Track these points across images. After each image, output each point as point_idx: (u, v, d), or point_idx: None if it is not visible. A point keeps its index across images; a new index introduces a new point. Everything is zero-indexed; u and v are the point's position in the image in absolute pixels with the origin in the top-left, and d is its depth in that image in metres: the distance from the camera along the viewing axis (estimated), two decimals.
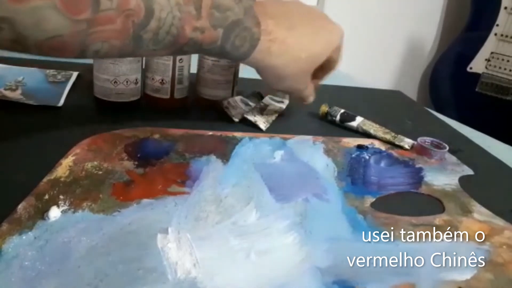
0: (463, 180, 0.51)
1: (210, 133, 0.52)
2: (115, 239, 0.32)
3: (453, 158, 0.56)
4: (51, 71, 0.64)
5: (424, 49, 1.60)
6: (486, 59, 1.29)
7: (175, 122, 0.54)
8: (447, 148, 0.56)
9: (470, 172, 0.53)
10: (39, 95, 0.55)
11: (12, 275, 0.27)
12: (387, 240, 0.37)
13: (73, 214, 0.34)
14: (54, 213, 0.33)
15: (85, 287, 0.27)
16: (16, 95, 0.54)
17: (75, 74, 0.64)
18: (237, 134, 0.52)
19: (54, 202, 0.34)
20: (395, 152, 0.55)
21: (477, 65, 1.31)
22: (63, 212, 0.34)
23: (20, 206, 0.33)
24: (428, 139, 0.57)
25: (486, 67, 1.29)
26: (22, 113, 0.51)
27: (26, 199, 0.34)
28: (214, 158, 0.45)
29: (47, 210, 0.33)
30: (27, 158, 0.41)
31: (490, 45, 1.27)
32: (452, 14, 1.56)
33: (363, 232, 0.38)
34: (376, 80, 0.97)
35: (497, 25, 1.26)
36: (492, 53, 1.27)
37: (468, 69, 1.32)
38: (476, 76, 1.32)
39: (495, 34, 1.27)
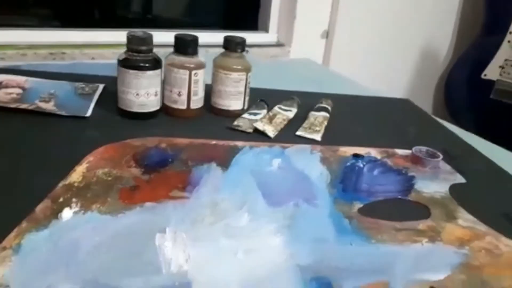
0: (454, 188, 0.53)
1: (214, 142, 0.56)
2: (119, 237, 0.36)
3: (447, 167, 0.58)
4: (79, 84, 0.69)
5: (438, 56, 1.61)
6: (500, 66, 1.29)
7: (190, 130, 0.59)
8: (441, 157, 0.58)
9: (462, 180, 0.55)
10: (69, 106, 0.60)
11: (29, 265, 0.32)
12: (368, 242, 0.41)
13: (83, 215, 0.38)
14: (67, 214, 0.38)
15: (90, 277, 0.32)
16: (49, 106, 0.60)
17: (101, 87, 0.69)
18: (239, 143, 0.56)
19: (68, 204, 0.39)
20: (389, 161, 0.58)
21: (491, 72, 1.31)
22: (75, 213, 0.38)
23: (38, 207, 0.38)
24: (423, 148, 0.60)
25: (500, 74, 1.29)
26: (54, 122, 0.57)
27: (44, 202, 0.39)
28: (214, 166, 0.50)
29: (61, 211, 0.38)
30: (51, 164, 0.46)
31: (504, 52, 1.27)
32: (466, 21, 1.56)
33: (346, 235, 0.41)
34: (391, 89, 0.99)
35: (510, 32, 1.26)
36: (505, 60, 1.27)
37: (482, 76, 1.32)
38: (490, 83, 1.32)
39: (509, 41, 1.27)
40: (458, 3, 1.55)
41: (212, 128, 0.61)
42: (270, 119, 0.64)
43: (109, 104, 0.63)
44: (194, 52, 0.61)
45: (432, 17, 1.49)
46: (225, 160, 0.51)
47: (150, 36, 0.58)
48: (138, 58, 0.57)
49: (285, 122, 0.66)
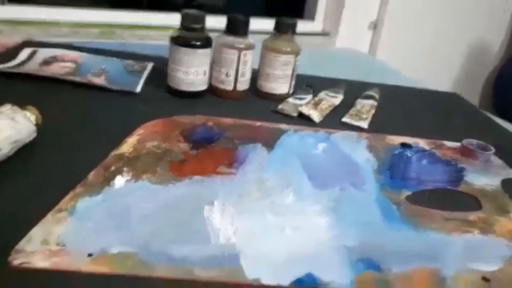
0: (507, 183, 0.51)
1: (259, 123, 0.56)
2: (169, 206, 0.37)
3: (499, 161, 0.56)
4: (129, 62, 0.71)
5: (489, 53, 1.55)
6: None
7: (235, 111, 0.59)
8: (493, 150, 0.56)
9: None
10: (119, 81, 0.62)
11: (83, 228, 0.33)
12: (417, 230, 0.40)
13: (134, 183, 0.39)
14: (119, 181, 0.39)
15: (141, 242, 0.32)
16: (100, 80, 0.61)
17: (150, 65, 0.70)
18: (284, 126, 0.56)
19: (119, 172, 0.40)
20: (438, 152, 0.56)
21: None
22: (126, 181, 0.39)
23: (91, 174, 0.39)
24: (474, 141, 0.58)
25: None
26: (105, 96, 0.58)
27: (96, 169, 0.40)
28: (260, 146, 0.50)
29: (113, 179, 0.39)
30: (103, 134, 0.48)
31: None
32: None
33: (394, 221, 0.40)
34: (437, 82, 0.96)
35: None
36: None
37: None
38: None
39: None
40: None
41: (257, 110, 0.61)
42: (316, 104, 0.64)
43: (158, 82, 0.64)
44: (245, 33, 0.61)
45: (485, 12, 1.43)
46: (269, 141, 0.51)
47: (203, 15, 0.58)
48: (191, 36, 0.58)
49: (331, 108, 0.65)
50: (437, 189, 0.48)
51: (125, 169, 0.41)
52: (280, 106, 0.63)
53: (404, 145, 0.57)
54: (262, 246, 0.34)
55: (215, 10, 1.14)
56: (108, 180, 0.39)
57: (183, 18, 0.58)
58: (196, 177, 0.42)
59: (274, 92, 0.66)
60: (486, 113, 0.79)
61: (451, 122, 0.70)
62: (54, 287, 0.28)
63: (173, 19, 0.59)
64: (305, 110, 0.61)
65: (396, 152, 0.55)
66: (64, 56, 0.68)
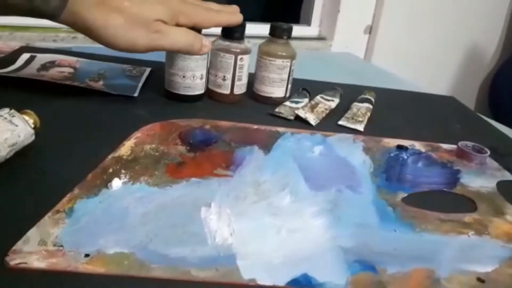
0: (502, 185, 0.51)
1: (255, 126, 0.56)
2: (166, 208, 0.37)
3: (494, 164, 0.56)
4: (127, 66, 0.71)
5: (485, 56, 1.56)
6: None
7: (232, 114, 0.59)
8: (488, 153, 0.56)
9: (510, 178, 0.54)
10: (117, 86, 0.62)
11: (80, 229, 0.33)
12: (413, 231, 0.40)
13: (132, 185, 0.39)
14: (116, 183, 0.39)
15: (138, 243, 0.33)
16: (98, 85, 0.62)
17: (148, 70, 0.71)
18: (280, 129, 0.57)
19: (117, 175, 0.40)
20: (434, 154, 0.57)
21: None
22: (124, 183, 0.39)
23: (89, 176, 0.40)
24: (469, 143, 0.58)
25: None
26: (103, 100, 0.59)
27: (94, 171, 0.41)
28: (256, 149, 0.50)
29: (110, 181, 0.39)
30: (101, 138, 0.48)
31: None
32: None
33: (390, 222, 0.41)
34: (433, 86, 0.97)
35: None
36: None
37: None
38: None
39: None
40: (509, 3, 1.50)
41: (253, 114, 0.62)
42: (312, 108, 0.64)
43: (156, 86, 0.64)
44: (241, 37, 0.62)
45: (480, 15, 1.44)
46: (266, 144, 0.52)
47: None
48: None
49: (327, 112, 0.65)
50: (432, 191, 0.48)
51: (122, 171, 0.41)
52: (277, 110, 0.63)
53: (400, 147, 0.57)
54: (259, 247, 0.34)
55: None
56: (105, 182, 0.39)
57: None
58: (193, 179, 0.42)
59: (270, 95, 0.67)
60: (482, 116, 0.79)
61: (448, 126, 0.71)
62: None
63: None
64: (302, 113, 0.61)
65: (392, 154, 0.55)
66: (62, 61, 0.69)
